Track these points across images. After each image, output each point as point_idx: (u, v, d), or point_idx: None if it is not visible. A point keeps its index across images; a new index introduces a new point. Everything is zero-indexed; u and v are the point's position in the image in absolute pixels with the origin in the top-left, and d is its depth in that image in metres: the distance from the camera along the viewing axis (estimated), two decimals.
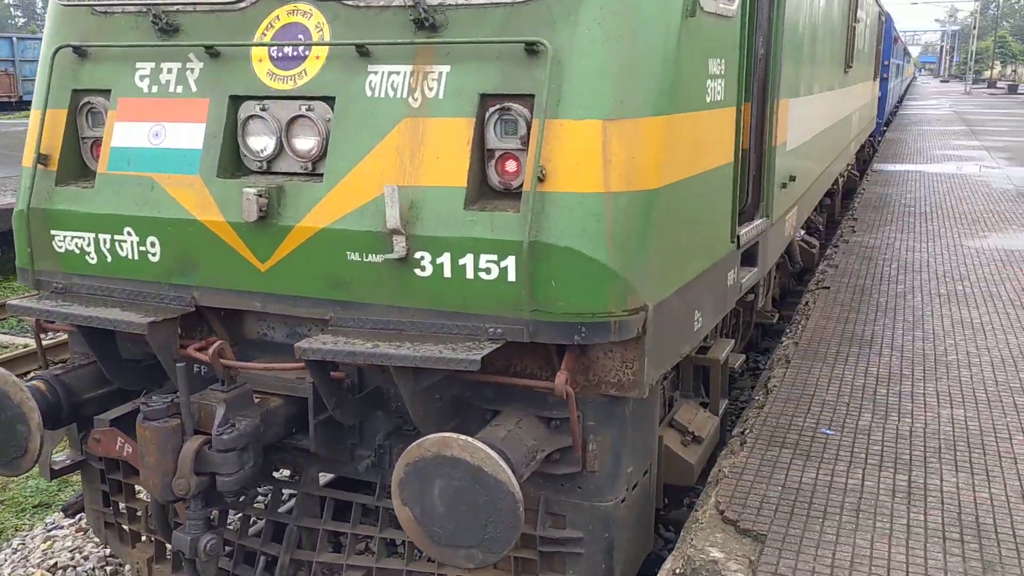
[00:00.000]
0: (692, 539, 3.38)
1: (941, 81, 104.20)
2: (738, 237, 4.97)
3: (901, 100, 47.31)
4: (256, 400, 3.62)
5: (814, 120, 8.19)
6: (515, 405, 3.72)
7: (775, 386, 5.08)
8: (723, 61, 4.36)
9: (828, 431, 4.41)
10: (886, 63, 24.39)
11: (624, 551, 3.85)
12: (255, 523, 4.44)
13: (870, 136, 24.24)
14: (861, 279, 7.71)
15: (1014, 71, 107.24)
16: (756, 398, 5.01)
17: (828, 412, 4.68)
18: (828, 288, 7.39)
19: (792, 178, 6.71)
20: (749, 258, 5.52)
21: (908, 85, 68.15)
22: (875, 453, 4.16)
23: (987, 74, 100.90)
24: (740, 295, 5.26)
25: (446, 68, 3.49)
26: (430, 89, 3.49)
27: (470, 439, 3.17)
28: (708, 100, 4.17)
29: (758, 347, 7.77)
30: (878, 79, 21.29)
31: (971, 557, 3.28)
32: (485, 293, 3.43)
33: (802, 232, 10.44)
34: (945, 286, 7.44)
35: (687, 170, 3.96)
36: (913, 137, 24.21)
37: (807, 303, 7.04)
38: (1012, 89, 60.81)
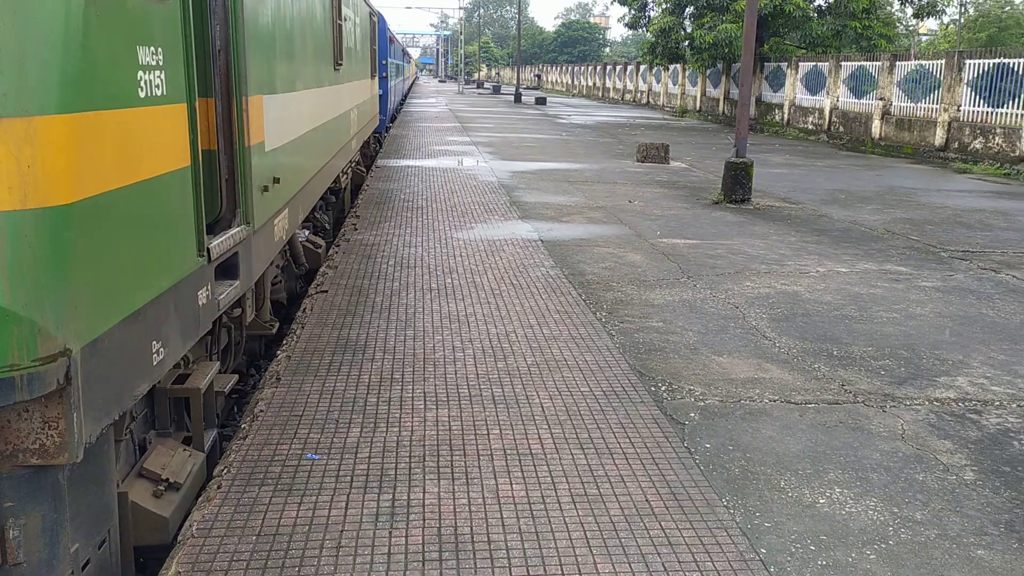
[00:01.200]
0: None
1: (440, 81, 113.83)
2: (208, 250, 4.45)
3: (405, 98, 50.39)
4: None
5: (301, 118, 7.93)
6: None
7: (262, 411, 4.65)
8: (160, 50, 3.77)
9: (313, 456, 4.11)
10: (384, 63, 25.48)
11: None
12: None
13: (375, 133, 25.20)
14: (360, 279, 7.67)
15: (498, 73, 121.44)
16: (242, 427, 4.54)
17: (316, 433, 4.38)
18: (326, 292, 7.20)
19: (277, 179, 6.34)
20: (229, 270, 5.04)
21: (411, 84, 73.14)
22: (361, 473, 3.95)
23: (476, 76, 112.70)
24: (220, 313, 4.74)
25: None
26: None
27: None
28: (143, 95, 3.56)
29: (268, 359, 7.35)
30: (377, 78, 22.11)
31: None
32: None
33: (306, 232, 10.18)
34: (436, 280, 7.70)
35: (119, 178, 3.32)
36: (415, 133, 25.73)
37: (305, 310, 6.75)
38: (496, 89, 68.49)
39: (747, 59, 13.09)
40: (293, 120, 7.46)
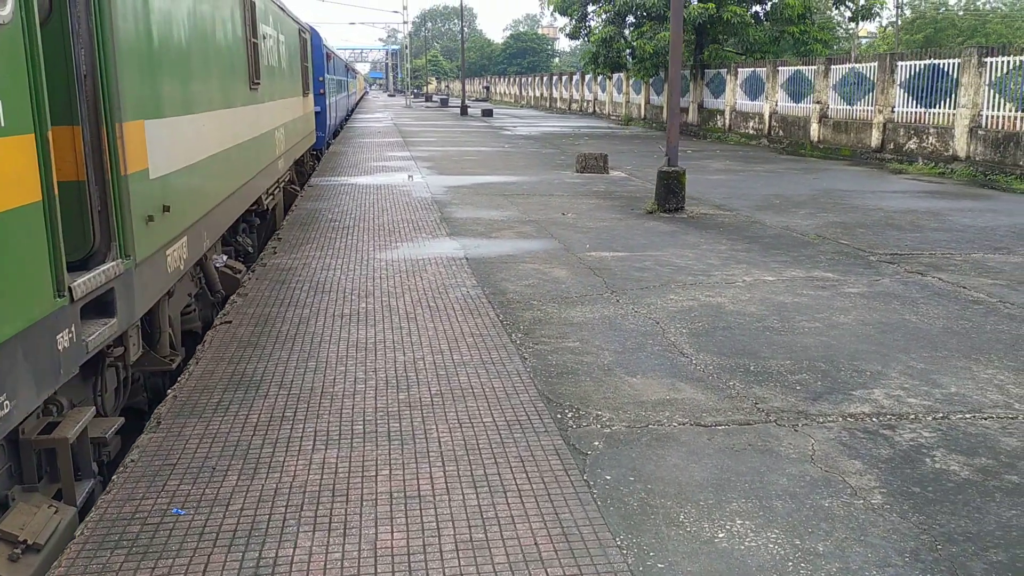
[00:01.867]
0: None
1: (389, 95, 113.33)
2: (71, 289, 4.14)
3: (351, 114, 50.02)
4: None
5: (204, 140, 7.63)
6: None
7: (133, 460, 4.33)
8: None
9: (179, 511, 3.80)
10: (320, 79, 25.16)
11: None
12: None
13: (314, 150, 24.83)
14: (268, 307, 7.35)
15: (447, 86, 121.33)
16: (113, 479, 4.21)
17: (188, 484, 4.07)
18: (230, 322, 6.87)
19: (167, 208, 6.04)
20: (105, 307, 4.74)
21: (359, 100, 72.65)
22: (228, 529, 3.65)
23: (425, 89, 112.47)
24: (89, 356, 4.42)
25: None
26: None
27: None
28: None
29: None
30: (311, 95, 21.77)
31: None
32: None
33: (223, 258, 9.83)
34: (350, 305, 7.41)
35: None
36: (354, 150, 25.36)
37: (206, 343, 6.42)
38: (444, 102, 68.26)
39: (674, 68, 13.02)
40: (191, 143, 7.16)
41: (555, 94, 60.82)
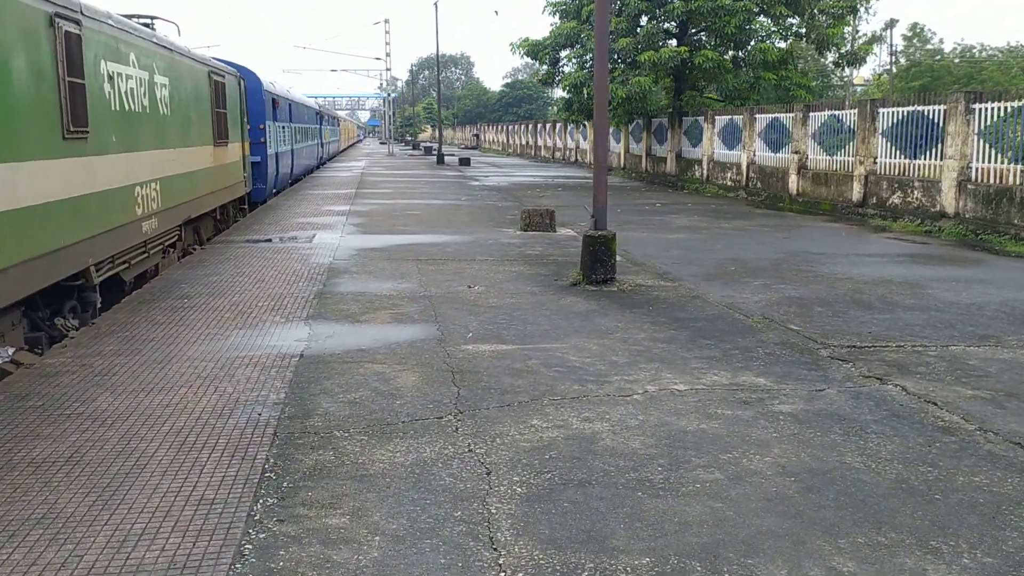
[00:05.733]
0: None
1: (380, 143, 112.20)
2: None
3: (325, 161, 48.55)
4: None
5: None
6: None
7: None
8: None
9: None
10: (261, 127, 23.41)
11: None
12: None
13: (254, 201, 22.94)
14: None
15: (441, 134, 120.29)
16: None
17: None
18: None
19: None
20: None
21: (341, 148, 71.46)
22: None
23: (420, 136, 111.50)
24: None
25: None
26: None
27: None
28: None
29: None
30: (241, 143, 19.97)
31: None
32: None
33: (9, 351, 7.85)
34: (68, 442, 5.32)
35: None
36: (297, 202, 23.48)
37: None
38: (428, 151, 66.67)
39: (600, 113, 11.08)
40: None
41: (539, 142, 59.39)
